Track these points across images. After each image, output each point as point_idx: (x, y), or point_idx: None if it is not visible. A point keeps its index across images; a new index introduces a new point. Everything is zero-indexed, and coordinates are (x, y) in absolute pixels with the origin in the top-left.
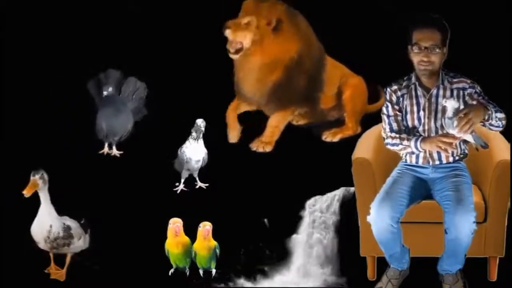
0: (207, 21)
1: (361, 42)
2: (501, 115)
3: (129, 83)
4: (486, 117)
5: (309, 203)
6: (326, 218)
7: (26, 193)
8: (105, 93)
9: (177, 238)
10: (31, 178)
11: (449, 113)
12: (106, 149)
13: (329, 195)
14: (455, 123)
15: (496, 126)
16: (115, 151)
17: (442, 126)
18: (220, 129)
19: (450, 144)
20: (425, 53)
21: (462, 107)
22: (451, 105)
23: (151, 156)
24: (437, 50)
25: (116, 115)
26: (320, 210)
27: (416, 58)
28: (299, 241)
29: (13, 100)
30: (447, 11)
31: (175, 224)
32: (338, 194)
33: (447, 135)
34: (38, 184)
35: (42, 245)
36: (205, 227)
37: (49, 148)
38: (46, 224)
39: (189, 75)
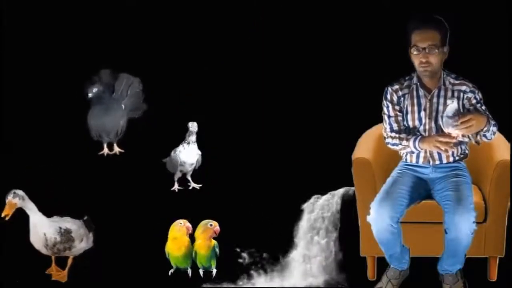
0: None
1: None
2: (495, 128)
3: (121, 79)
4: (485, 129)
5: (309, 202)
6: (326, 216)
7: (6, 214)
8: (90, 95)
9: (177, 240)
10: (6, 200)
11: (449, 112)
12: (105, 150)
13: (329, 194)
14: (455, 123)
15: (488, 139)
16: (116, 149)
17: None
18: (218, 128)
19: (448, 143)
20: (423, 54)
21: (460, 109)
22: (453, 105)
23: (151, 156)
24: (436, 50)
25: (104, 114)
26: (320, 208)
27: (416, 60)
28: (299, 240)
29: (14, 100)
30: (447, 11)
31: (186, 224)
32: (338, 194)
33: (444, 134)
34: (16, 203)
35: (44, 251)
36: (215, 227)
37: (50, 148)
38: (40, 233)
39: (189, 74)
